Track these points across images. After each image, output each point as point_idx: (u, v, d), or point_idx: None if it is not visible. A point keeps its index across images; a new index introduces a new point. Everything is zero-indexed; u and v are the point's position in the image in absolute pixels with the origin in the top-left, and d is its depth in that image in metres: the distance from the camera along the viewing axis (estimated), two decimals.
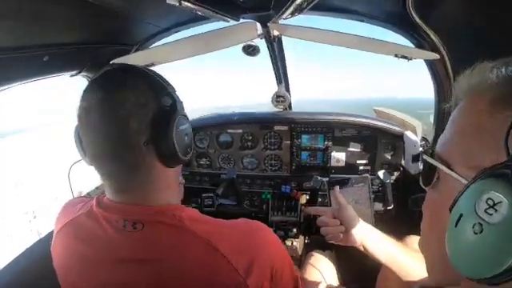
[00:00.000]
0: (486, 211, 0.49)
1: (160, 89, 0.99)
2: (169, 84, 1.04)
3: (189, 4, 1.21)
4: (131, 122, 0.91)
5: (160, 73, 1.06)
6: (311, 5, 1.24)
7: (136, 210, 0.97)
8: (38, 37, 1.39)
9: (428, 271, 0.79)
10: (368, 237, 1.45)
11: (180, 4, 1.19)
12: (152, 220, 0.96)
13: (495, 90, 0.60)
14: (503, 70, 0.62)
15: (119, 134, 0.92)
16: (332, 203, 1.64)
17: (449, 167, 0.65)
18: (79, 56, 1.67)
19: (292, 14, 1.36)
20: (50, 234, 1.14)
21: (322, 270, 2.03)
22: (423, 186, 0.79)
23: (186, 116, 1.05)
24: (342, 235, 1.48)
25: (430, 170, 0.74)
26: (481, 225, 0.50)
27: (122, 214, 0.97)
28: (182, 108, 1.04)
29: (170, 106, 0.99)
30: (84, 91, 0.96)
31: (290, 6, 1.24)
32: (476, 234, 0.50)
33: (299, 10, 1.31)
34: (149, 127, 0.93)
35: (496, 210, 0.48)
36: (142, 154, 0.94)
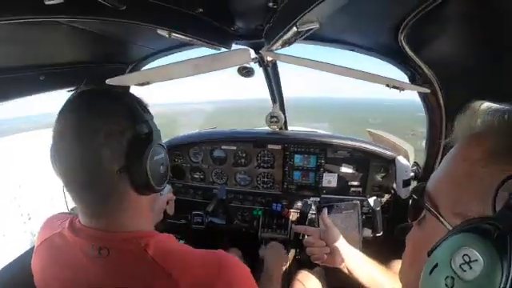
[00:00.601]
0: (460, 266, 0.49)
1: (136, 117, 0.97)
2: (146, 111, 1.03)
3: (178, 35, 1.22)
4: (104, 150, 0.90)
5: None
6: (301, 38, 1.25)
7: (104, 236, 0.96)
8: (33, 59, 1.41)
9: None
10: (351, 259, 1.49)
11: (169, 36, 1.20)
12: (117, 247, 0.95)
13: (494, 139, 0.60)
14: (506, 116, 0.61)
15: (92, 162, 0.91)
16: (319, 225, 1.66)
17: (435, 209, 0.66)
18: (75, 74, 1.68)
19: (282, 45, 1.36)
20: (32, 249, 1.14)
21: (310, 286, 2.03)
22: (409, 221, 0.79)
23: (162, 145, 1.04)
24: (326, 256, 1.52)
25: (417, 207, 0.74)
26: (453, 279, 0.50)
27: (90, 239, 0.97)
28: (159, 137, 1.02)
29: (145, 134, 0.97)
30: (59, 112, 0.94)
31: (279, 39, 1.25)
32: (447, 286, 0.50)
33: (289, 42, 1.31)
34: (123, 156, 0.92)
35: (470, 268, 0.48)
36: (114, 182, 0.93)
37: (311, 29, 1.06)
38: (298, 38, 1.22)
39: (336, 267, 1.52)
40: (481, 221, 0.51)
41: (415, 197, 0.75)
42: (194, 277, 0.94)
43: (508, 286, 0.44)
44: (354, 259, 1.50)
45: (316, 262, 1.56)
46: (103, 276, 0.95)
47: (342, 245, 1.53)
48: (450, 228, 0.59)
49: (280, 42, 1.27)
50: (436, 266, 0.54)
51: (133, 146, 0.93)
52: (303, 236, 2.40)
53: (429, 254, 0.57)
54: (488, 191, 0.53)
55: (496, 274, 0.45)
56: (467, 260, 0.48)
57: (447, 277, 0.50)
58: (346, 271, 1.49)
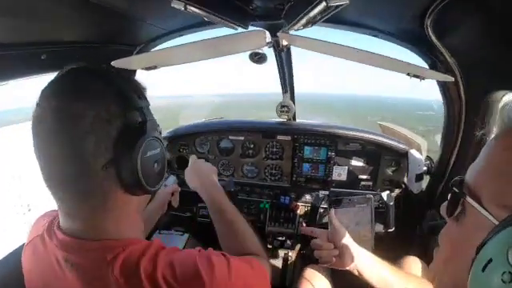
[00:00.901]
0: None
1: (129, 103, 0.84)
2: (142, 97, 0.88)
3: (195, 9, 1.13)
4: (88, 140, 0.76)
5: None
6: (325, 17, 1.18)
7: (70, 243, 0.85)
8: (35, 34, 1.31)
9: None
10: (361, 261, 1.43)
11: (185, 9, 1.11)
12: (80, 259, 0.83)
13: None
14: None
15: (73, 152, 0.77)
16: (328, 225, 1.60)
17: (478, 202, 0.61)
18: (78, 55, 1.59)
19: (304, 25, 1.30)
20: (22, 247, 1.07)
21: (317, 284, 1.99)
22: (444, 216, 0.75)
23: (158, 139, 0.90)
24: (334, 259, 1.45)
25: (455, 201, 0.69)
26: (511, 274, 0.46)
27: (59, 246, 0.86)
28: (155, 128, 0.89)
29: (138, 124, 0.84)
30: (41, 94, 0.80)
31: (303, 17, 1.18)
32: (504, 282, 0.46)
33: (312, 22, 1.24)
34: (110, 148, 0.79)
35: None
36: (98, 178, 0.80)
37: (341, 5, 0.99)
38: (323, 16, 1.15)
39: (345, 269, 1.47)
40: None
41: (456, 190, 0.69)
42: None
43: None
44: (363, 260, 1.43)
45: (324, 265, 1.50)
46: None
47: (352, 246, 1.46)
48: (496, 221, 0.55)
49: (303, 20, 1.20)
50: (490, 261, 0.49)
51: (122, 137, 0.80)
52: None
53: (478, 250, 0.53)
54: None
55: None
56: None
57: (504, 272, 0.46)
58: (356, 273, 1.43)
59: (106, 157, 0.79)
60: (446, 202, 0.74)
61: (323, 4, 0.97)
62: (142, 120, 0.85)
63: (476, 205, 0.61)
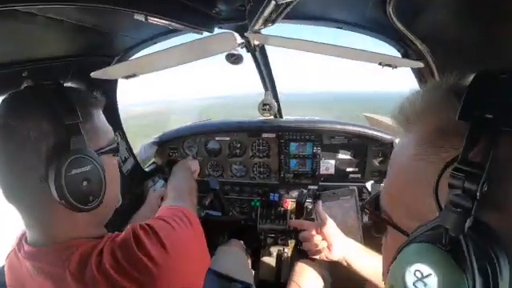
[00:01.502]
0: (414, 284, 0.44)
1: (58, 120, 0.84)
2: (72, 112, 0.87)
3: (156, 19, 1.15)
4: (21, 156, 0.81)
5: None
6: (283, 14, 1.18)
7: (35, 252, 0.90)
8: (14, 54, 1.35)
9: None
10: (350, 252, 1.43)
11: (146, 20, 1.13)
12: (43, 265, 0.88)
13: (423, 125, 0.55)
14: (438, 91, 0.58)
15: (11, 168, 0.83)
16: (316, 218, 1.61)
17: (390, 219, 0.61)
18: (59, 69, 1.63)
19: (265, 24, 1.31)
20: None
21: (311, 279, 2.00)
22: (375, 235, 0.73)
23: (88, 156, 0.88)
24: (323, 250, 1.46)
25: (376, 221, 0.69)
26: None
27: (27, 257, 0.91)
28: (83, 145, 0.87)
29: (63, 142, 0.84)
30: None
31: (259, 16, 1.19)
32: None
33: (271, 20, 1.26)
34: (42, 165, 0.82)
35: (425, 284, 0.43)
36: (35, 192, 0.84)
37: (291, 1, 1.00)
38: (280, 13, 1.16)
39: (334, 260, 1.47)
40: (426, 227, 0.47)
41: (367, 211, 0.70)
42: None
43: None
44: (352, 252, 1.44)
45: (313, 256, 1.51)
46: None
47: (340, 237, 1.47)
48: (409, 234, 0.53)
49: (261, 19, 1.21)
50: (392, 287, 0.49)
51: (51, 154, 0.82)
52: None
53: (387, 273, 0.53)
54: (429, 187, 0.48)
55: (456, 284, 0.40)
56: (420, 276, 0.44)
57: None
58: (345, 263, 1.44)
59: (39, 172, 0.82)
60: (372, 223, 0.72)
61: (273, 3, 0.98)
62: (66, 137, 0.85)
63: (387, 221, 0.61)
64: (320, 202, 1.61)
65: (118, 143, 1.05)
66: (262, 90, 2.69)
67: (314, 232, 1.50)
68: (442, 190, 0.46)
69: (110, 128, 1.04)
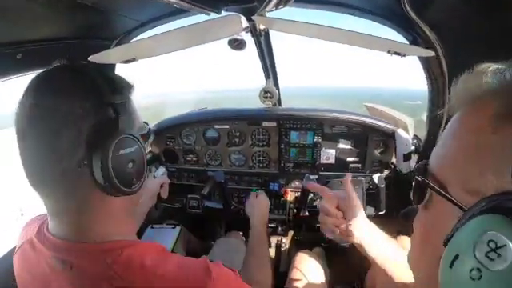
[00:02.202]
0: (486, 255, 0.42)
1: (102, 98, 0.81)
2: (117, 91, 0.85)
3: None
4: (61, 138, 0.76)
5: None
6: None
7: (67, 246, 0.84)
8: (8, 34, 1.29)
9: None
10: (368, 236, 1.30)
11: None
12: (79, 261, 0.83)
13: (498, 101, 0.52)
14: (507, 74, 0.54)
15: (47, 151, 0.77)
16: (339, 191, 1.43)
17: (444, 189, 0.58)
18: (55, 52, 1.55)
19: (276, 5, 1.27)
20: (13, 250, 1.05)
21: (310, 268, 2.01)
22: (414, 204, 0.71)
23: (133, 137, 0.86)
24: (339, 229, 1.34)
25: (420, 188, 0.66)
26: (480, 270, 0.42)
27: (52, 249, 0.86)
28: (130, 125, 0.86)
29: (111, 121, 0.81)
30: (21, 97, 0.80)
31: None
32: (473, 280, 0.43)
33: (284, 1, 1.21)
34: (82, 146, 0.77)
35: (499, 255, 0.41)
36: (73, 177, 0.79)
37: None
38: None
39: (341, 244, 1.40)
40: (502, 197, 0.44)
41: (418, 178, 0.66)
42: None
43: None
44: (370, 237, 1.30)
45: (327, 234, 1.38)
46: None
47: (362, 219, 1.33)
48: (464, 208, 0.51)
49: (273, 1, 1.17)
50: (457, 257, 0.46)
51: (95, 134, 0.78)
52: (304, 214, 2.34)
53: (445, 244, 0.50)
54: (503, 161, 0.46)
55: None
56: (493, 247, 0.42)
57: (472, 269, 0.43)
58: (358, 247, 1.31)
59: (80, 154, 0.78)
60: (414, 189, 0.71)
61: None
62: (115, 116, 0.82)
63: (441, 192, 0.58)
64: (349, 175, 1.41)
65: (149, 129, 1.01)
66: (258, 87, 2.65)
67: (334, 205, 1.36)
68: None
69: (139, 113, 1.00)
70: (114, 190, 0.81)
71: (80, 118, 0.77)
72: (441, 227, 0.54)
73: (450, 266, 0.47)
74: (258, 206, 2.11)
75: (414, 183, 0.70)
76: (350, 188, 1.36)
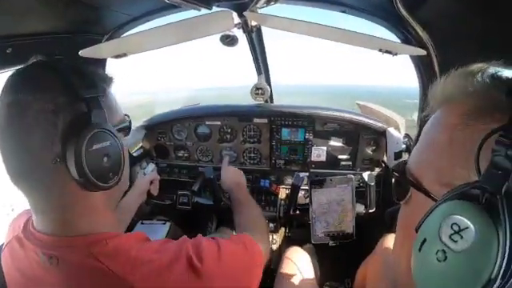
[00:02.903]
0: (450, 237, 0.46)
1: (74, 92, 0.80)
2: (90, 85, 0.84)
3: None
4: (35, 134, 0.76)
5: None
6: None
7: (51, 241, 0.84)
8: None
9: (400, 283, 0.76)
10: None
11: None
12: (65, 256, 0.83)
13: (470, 101, 0.57)
14: (479, 77, 0.59)
15: (24, 148, 0.77)
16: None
17: (420, 184, 0.62)
18: (46, 46, 1.54)
19: (267, 2, 1.27)
20: (0, 247, 1.04)
21: (301, 264, 2.01)
22: (396, 201, 0.75)
23: (108, 131, 0.85)
24: None
25: (401, 186, 0.71)
26: (444, 252, 0.47)
27: (39, 245, 0.85)
28: (103, 120, 0.84)
29: (82, 116, 0.80)
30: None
31: None
32: (439, 261, 0.47)
33: None
34: (57, 142, 0.77)
35: (461, 237, 0.45)
36: (50, 173, 0.79)
37: None
38: None
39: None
40: (465, 186, 0.49)
41: (397, 175, 0.72)
42: (163, 282, 0.83)
43: (507, 251, 0.42)
44: None
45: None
46: (56, 287, 0.84)
47: None
48: (437, 199, 0.55)
49: None
50: (424, 240, 0.51)
51: (68, 129, 0.78)
52: (294, 211, 2.34)
53: (416, 230, 0.54)
54: (470, 154, 0.50)
55: (491, 240, 0.42)
56: (457, 229, 0.46)
57: (438, 251, 0.48)
58: None
59: (54, 150, 0.78)
60: (395, 187, 0.75)
61: None
62: (87, 111, 0.81)
63: (418, 186, 0.62)
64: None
65: (129, 122, 1.01)
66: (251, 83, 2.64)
67: None
68: (482, 156, 0.48)
69: (120, 107, 1.00)
70: (91, 186, 0.81)
71: (53, 115, 0.77)
72: (417, 219, 0.57)
73: (419, 250, 0.52)
74: (227, 175, 2.14)
75: (393, 181, 0.75)
76: None
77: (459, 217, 0.46)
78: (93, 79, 0.87)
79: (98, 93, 0.84)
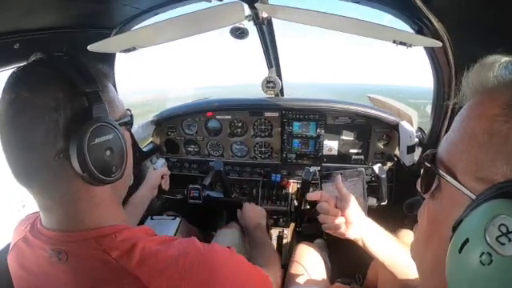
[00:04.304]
0: (497, 239, 0.42)
1: (76, 88, 0.80)
2: (90, 81, 0.83)
3: None
4: (37, 131, 0.76)
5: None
6: None
7: (60, 237, 0.84)
8: (5, 23, 1.26)
9: (420, 281, 0.73)
10: (368, 233, 1.36)
11: None
12: (75, 251, 0.83)
13: (510, 91, 0.52)
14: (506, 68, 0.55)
15: (26, 146, 0.77)
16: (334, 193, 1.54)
17: (453, 176, 0.57)
18: (54, 42, 1.54)
19: None
20: (7, 249, 1.04)
21: (311, 260, 2.00)
22: (421, 193, 0.71)
23: (110, 124, 0.85)
24: (341, 226, 1.38)
25: (429, 176, 0.66)
26: (490, 255, 0.42)
27: (48, 242, 0.86)
28: (105, 113, 0.84)
29: (83, 110, 0.80)
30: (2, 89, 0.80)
31: None
32: (483, 264, 0.43)
33: None
34: (59, 137, 0.77)
35: (510, 240, 0.41)
36: (54, 169, 0.78)
37: None
38: None
39: (346, 239, 1.41)
40: (506, 184, 0.44)
41: (427, 164, 0.65)
42: (166, 279, 0.82)
43: None
44: (371, 233, 1.36)
45: (328, 231, 1.42)
46: (67, 283, 0.84)
47: (360, 216, 1.39)
48: (473, 196, 0.51)
49: None
50: (466, 241, 0.46)
51: (70, 125, 0.78)
52: (305, 206, 2.32)
53: (454, 229, 0.50)
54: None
55: None
56: (505, 231, 0.42)
57: (483, 253, 0.43)
58: (361, 243, 1.36)
59: (57, 146, 0.77)
60: (422, 177, 0.70)
61: None
62: (88, 105, 0.81)
63: (450, 179, 0.58)
64: (339, 177, 1.49)
65: (131, 116, 1.01)
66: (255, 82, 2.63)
67: (333, 205, 1.41)
68: None
69: (122, 101, 1.00)
70: (94, 180, 0.81)
71: (54, 110, 0.77)
72: (448, 215, 0.54)
73: (459, 251, 0.47)
74: (249, 214, 2.19)
75: (422, 171, 0.70)
76: (344, 189, 1.41)
77: (508, 217, 0.42)
78: (92, 74, 0.86)
79: (97, 87, 0.84)
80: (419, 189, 0.71)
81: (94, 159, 0.79)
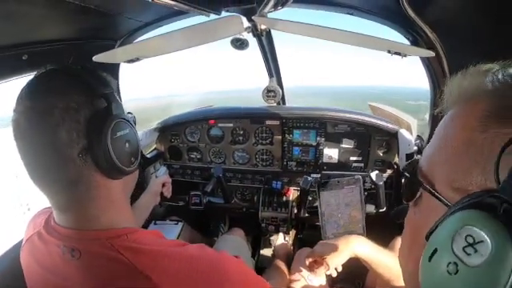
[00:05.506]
0: (464, 249, 0.43)
1: (93, 91, 0.88)
2: (105, 84, 0.92)
3: (163, 0, 1.13)
4: (61, 131, 0.81)
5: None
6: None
7: (74, 235, 0.89)
8: (14, 36, 1.33)
9: (405, 286, 0.74)
10: (359, 251, 1.54)
11: (153, 0, 1.11)
12: (89, 249, 0.87)
13: (489, 101, 0.53)
14: (499, 75, 0.55)
15: (49, 146, 0.82)
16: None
17: (431, 186, 0.59)
18: (60, 53, 1.61)
19: (275, 7, 1.28)
20: (19, 244, 1.08)
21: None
22: (404, 202, 0.72)
23: (126, 120, 0.94)
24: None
25: (411, 186, 0.67)
26: (456, 265, 0.43)
27: (62, 239, 0.90)
28: (121, 111, 0.93)
29: (104, 109, 0.88)
30: (16, 99, 0.85)
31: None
32: (450, 274, 0.44)
33: (282, 3, 1.23)
34: (82, 136, 0.83)
35: (476, 250, 0.42)
36: (77, 167, 0.84)
37: None
38: None
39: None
40: (483, 194, 0.45)
41: (407, 174, 0.68)
42: (178, 279, 0.86)
43: None
44: (361, 250, 1.54)
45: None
46: (79, 280, 0.88)
47: (345, 244, 1.58)
48: (450, 205, 0.52)
49: (271, 2, 1.18)
50: (435, 251, 0.48)
51: (91, 123, 0.85)
52: (304, 213, 2.36)
53: (427, 238, 0.51)
54: (489, 160, 0.47)
55: (507, 256, 0.39)
56: (471, 242, 0.42)
57: (449, 263, 0.44)
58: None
59: (80, 144, 0.83)
60: (404, 187, 0.72)
61: None
62: (106, 105, 0.89)
63: (429, 188, 0.59)
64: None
65: (133, 118, 1.08)
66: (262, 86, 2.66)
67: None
68: (501, 164, 0.44)
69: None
70: (117, 171, 0.90)
71: (76, 112, 0.83)
72: (427, 224, 0.54)
73: (429, 260, 0.48)
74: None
75: (403, 180, 0.72)
76: (318, 248, 1.69)
77: (474, 228, 0.42)
78: (105, 78, 0.95)
79: (112, 89, 0.93)
80: (403, 198, 0.72)
81: (116, 151, 0.88)
